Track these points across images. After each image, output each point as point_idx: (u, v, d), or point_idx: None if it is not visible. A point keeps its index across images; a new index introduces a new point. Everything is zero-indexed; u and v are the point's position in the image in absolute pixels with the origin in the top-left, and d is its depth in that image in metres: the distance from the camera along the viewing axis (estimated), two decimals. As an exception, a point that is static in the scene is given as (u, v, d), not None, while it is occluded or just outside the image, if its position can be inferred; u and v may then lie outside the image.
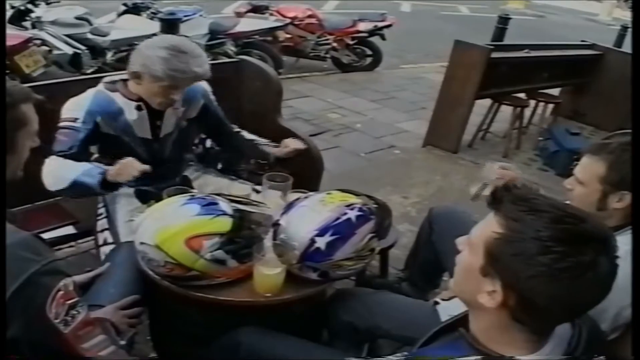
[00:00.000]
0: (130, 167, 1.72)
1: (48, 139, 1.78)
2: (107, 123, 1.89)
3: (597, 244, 0.83)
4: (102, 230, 1.96)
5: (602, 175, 1.39)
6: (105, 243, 1.91)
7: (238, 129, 2.27)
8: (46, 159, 1.83)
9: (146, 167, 1.72)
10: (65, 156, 1.82)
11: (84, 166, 1.78)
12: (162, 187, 1.85)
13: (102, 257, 1.85)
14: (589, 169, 1.43)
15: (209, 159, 2.47)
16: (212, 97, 2.17)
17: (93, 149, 1.97)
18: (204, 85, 2.13)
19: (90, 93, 1.89)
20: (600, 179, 1.39)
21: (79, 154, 1.84)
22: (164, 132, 2.04)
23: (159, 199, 1.67)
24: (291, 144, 2.15)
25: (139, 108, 1.92)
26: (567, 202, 1.51)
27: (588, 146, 1.48)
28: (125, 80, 1.92)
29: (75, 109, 1.85)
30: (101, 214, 2.02)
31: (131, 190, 2.02)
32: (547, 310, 0.85)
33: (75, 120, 1.84)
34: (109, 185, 1.76)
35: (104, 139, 1.92)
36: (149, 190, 1.96)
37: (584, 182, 1.44)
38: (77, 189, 1.78)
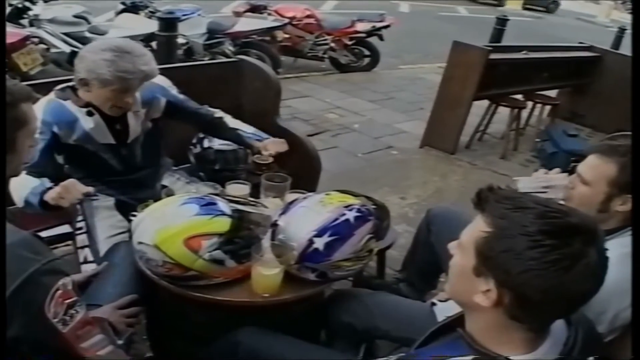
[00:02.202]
0: (73, 189, 1.62)
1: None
2: (65, 133, 1.83)
3: (584, 235, 0.84)
4: (83, 247, 1.92)
5: (611, 178, 1.35)
6: (86, 261, 1.85)
7: (221, 115, 2.20)
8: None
9: (89, 188, 1.65)
10: (29, 168, 1.67)
11: (34, 182, 1.68)
12: (140, 197, 1.84)
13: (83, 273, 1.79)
14: (598, 169, 1.38)
15: (206, 159, 2.48)
16: (175, 90, 2.10)
17: (60, 159, 1.92)
18: (161, 81, 2.06)
19: (42, 103, 1.79)
20: (609, 180, 1.36)
21: (40, 165, 1.74)
22: (131, 136, 1.98)
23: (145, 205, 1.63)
24: (271, 148, 2.05)
25: (89, 113, 1.85)
26: (563, 201, 1.51)
27: (597, 146, 1.43)
28: (74, 88, 1.86)
29: None
30: (80, 228, 1.96)
31: (111, 202, 1.99)
32: (541, 305, 0.86)
33: None
34: (50, 207, 1.65)
35: (67, 149, 1.87)
36: (128, 202, 1.92)
37: (589, 182, 1.40)
38: (30, 208, 1.68)
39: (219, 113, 2.22)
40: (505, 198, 0.91)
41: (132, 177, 2.03)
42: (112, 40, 1.88)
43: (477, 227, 0.91)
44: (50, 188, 1.65)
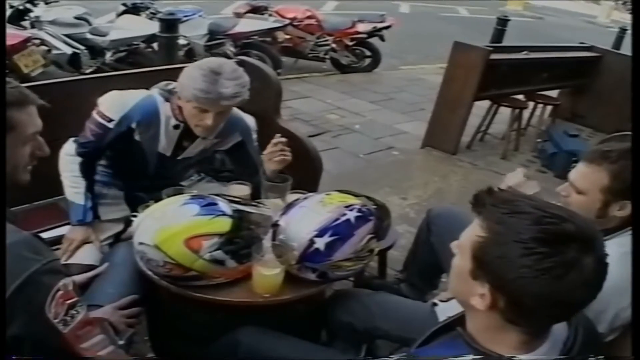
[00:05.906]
0: (68, 251, 1.82)
1: (50, 141, 1.80)
2: (141, 130, 1.86)
3: (579, 243, 0.83)
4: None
5: (605, 186, 1.33)
6: None
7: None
8: (66, 146, 1.86)
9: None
10: (82, 155, 1.86)
11: (78, 198, 1.86)
12: (153, 196, 1.84)
13: None
14: (590, 178, 1.36)
15: (207, 159, 2.47)
16: (255, 136, 2.08)
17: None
18: (250, 122, 2.06)
19: (139, 96, 1.84)
20: (603, 188, 1.33)
21: (94, 159, 1.92)
22: (184, 155, 1.98)
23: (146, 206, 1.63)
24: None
25: (176, 127, 1.88)
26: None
27: (586, 154, 1.40)
28: None
29: (116, 109, 1.81)
30: None
31: (120, 195, 2.01)
32: (536, 311, 0.86)
33: (110, 120, 1.80)
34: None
35: (127, 144, 1.87)
36: (139, 197, 1.93)
37: (583, 191, 1.37)
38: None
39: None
40: (502, 201, 0.90)
41: (156, 185, 1.98)
42: (217, 60, 1.79)
43: (474, 230, 0.91)
44: (80, 222, 1.86)
